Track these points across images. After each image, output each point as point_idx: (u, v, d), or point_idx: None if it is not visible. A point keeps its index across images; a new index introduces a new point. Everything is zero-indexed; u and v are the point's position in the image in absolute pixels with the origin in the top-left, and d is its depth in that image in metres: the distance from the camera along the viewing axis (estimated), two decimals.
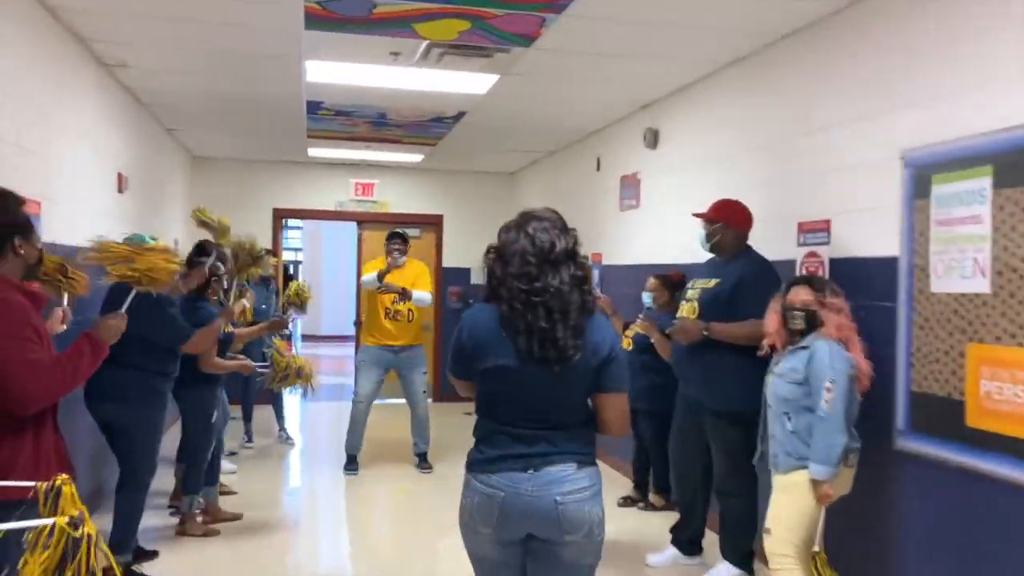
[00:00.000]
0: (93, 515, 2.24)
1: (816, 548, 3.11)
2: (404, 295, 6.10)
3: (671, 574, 4.21)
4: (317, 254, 18.35)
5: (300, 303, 6.46)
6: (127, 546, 3.87)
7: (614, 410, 2.28)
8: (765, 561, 3.38)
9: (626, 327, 5.44)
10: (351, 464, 6.21)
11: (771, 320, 3.37)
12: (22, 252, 2.49)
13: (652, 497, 5.32)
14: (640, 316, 5.10)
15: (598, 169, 6.80)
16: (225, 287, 4.74)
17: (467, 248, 9.58)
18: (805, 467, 3.11)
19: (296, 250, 18.44)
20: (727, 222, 3.90)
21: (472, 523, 2.28)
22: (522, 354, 2.17)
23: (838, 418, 3.03)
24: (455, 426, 8.08)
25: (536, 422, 2.23)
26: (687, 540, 4.25)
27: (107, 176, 5.28)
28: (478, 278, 9.64)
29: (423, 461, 6.34)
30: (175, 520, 4.72)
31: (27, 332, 2.40)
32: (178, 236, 7.84)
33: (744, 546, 3.96)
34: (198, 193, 8.87)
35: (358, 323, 9.47)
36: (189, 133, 7.57)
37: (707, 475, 4.12)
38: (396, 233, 6.52)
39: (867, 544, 3.51)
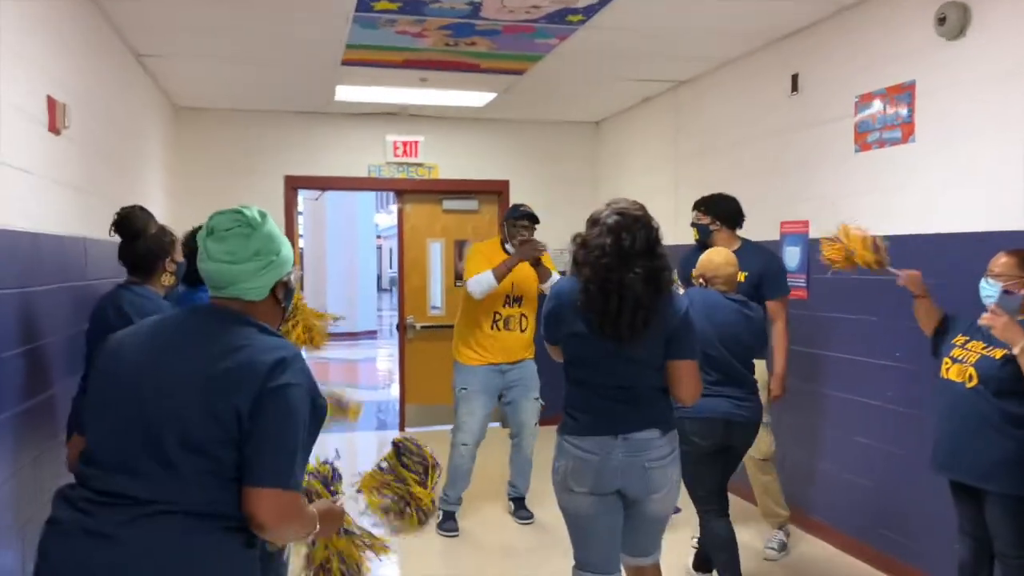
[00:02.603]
0: None
1: None
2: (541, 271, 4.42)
3: None
4: (321, 231, 15.61)
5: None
6: None
7: (683, 375, 2.53)
8: None
9: (940, 325, 3.17)
10: (448, 522, 4.55)
11: None
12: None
13: None
14: (990, 307, 2.85)
15: (794, 91, 4.50)
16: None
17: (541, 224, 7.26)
18: None
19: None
20: None
21: (566, 483, 2.56)
22: (593, 328, 2.47)
23: None
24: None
25: (618, 388, 2.51)
26: None
27: (28, 101, 2.94)
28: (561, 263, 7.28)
29: (521, 507, 4.77)
30: None
31: None
32: (158, 215, 5.49)
33: None
34: (184, 156, 6.50)
35: (402, 326, 7.21)
36: (169, 66, 5.20)
37: None
38: (524, 212, 4.52)
39: None
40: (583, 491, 2.51)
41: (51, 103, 3.14)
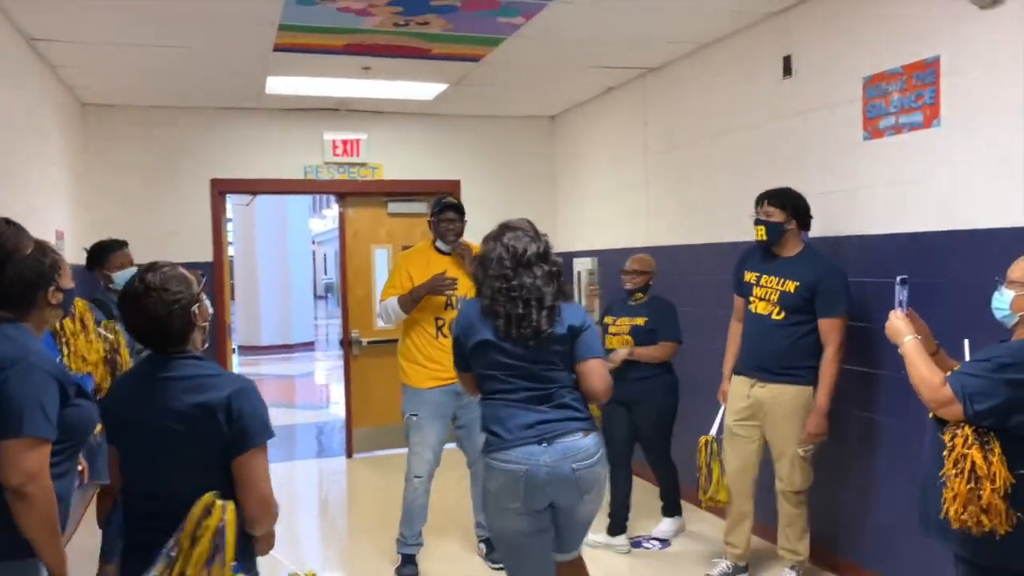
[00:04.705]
0: None
1: None
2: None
3: None
4: (250, 237, 14.70)
5: None
6: None
7: (592, 375, 2.58)
8: None
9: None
10: (407, 566, 3.99)
11: None
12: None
13: None
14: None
15: (787, 75, 4.05)
16: None
17: (493, 225, 6.70)
18: None
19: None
20: None
21: (499, 502, 2.55)
22: (500, 333, 2.53)
23: None
24: None
25: (532, 394, 2.54)
26: None
27: None
28: None
29: (493, 549, 4.03)
30: None
31: None
32: (61, 226, 4.77)
33: None
34: (93, 159, 5.75)
35: (347, 343, 6.57)
36: (69, 53, 4.47)
37: None
38: (449, 203, 4.01)
39: None
40: (515, 507, 2.51)
41: None
